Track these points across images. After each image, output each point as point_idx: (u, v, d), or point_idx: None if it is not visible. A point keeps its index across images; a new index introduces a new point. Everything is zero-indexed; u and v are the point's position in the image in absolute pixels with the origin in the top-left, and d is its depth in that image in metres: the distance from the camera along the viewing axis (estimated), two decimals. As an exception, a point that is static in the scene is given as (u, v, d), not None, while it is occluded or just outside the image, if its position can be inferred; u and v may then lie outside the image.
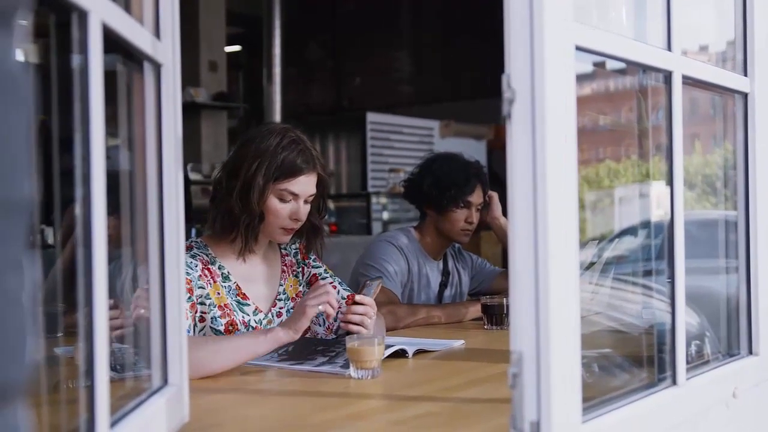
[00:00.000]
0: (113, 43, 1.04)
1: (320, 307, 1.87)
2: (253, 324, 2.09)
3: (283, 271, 2.23)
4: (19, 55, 0.52)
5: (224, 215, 2.08)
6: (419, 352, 2.06)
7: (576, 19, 1.15)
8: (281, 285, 2.21)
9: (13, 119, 0.49)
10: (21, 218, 0.52)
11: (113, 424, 1.02)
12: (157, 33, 1.27)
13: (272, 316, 2.16)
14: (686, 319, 1.45)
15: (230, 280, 2.10)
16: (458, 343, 2.23)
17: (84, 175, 0.93)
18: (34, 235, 0.58)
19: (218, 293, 2.06)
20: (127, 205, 1.27)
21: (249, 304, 2.11)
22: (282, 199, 2.07)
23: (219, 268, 2.09)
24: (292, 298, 2.22)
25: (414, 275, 2.86)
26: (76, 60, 0.95)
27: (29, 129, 0.52)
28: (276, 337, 1.86)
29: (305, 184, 2.08)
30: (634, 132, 1.81)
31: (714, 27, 1.94)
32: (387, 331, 2.49)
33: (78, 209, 0.95)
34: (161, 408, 1.22)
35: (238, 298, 2.10)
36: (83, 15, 0.93)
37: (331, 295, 1.90)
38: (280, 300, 2.20)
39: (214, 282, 2.06)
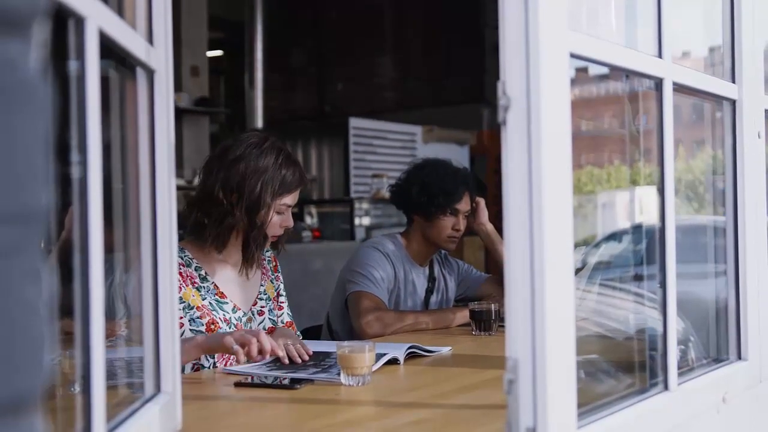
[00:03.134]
0: (107, 48, 1.03)
1: (235, 347, 1.84)
2: (234, 321, 2.18)
3: (263, 273, 2.33)
4: (36, 63, 0.52)
5: (226, 230, 2.14)
6: (410, 357, 2.06)
7: (568, 26, 1.16)
8: (262, 285, 2.31)
9: (32, 128, 0.48)
10: (39, 227, 0.51)
11: (108, 433, 1.01)
12: (150, 39, 1.26)
13: (253, 314, 2.25)
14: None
15: (208, 281, 2.17)
16: (446, 350, 2.23)
17: (81, 180, 0.93)
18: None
19: (194, 295, 2.12)
20: (118, 210, 1.26)
21: (227, 302, 2.18)
22: (279, 212, 2.19)
23: (196, 270, 2.16)
24: (273, 298, 2.34)
25: (400, 281, 2.86)
26: (72, 65, 0.94)
27: (47, 137, 0.52)
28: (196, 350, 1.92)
29: (297, 196, 2.23)
30: (617, 137, 1.82)
31: (698, 33, 1.96)
32: (375, 337, 2.49)
33: (73, 215, 0.94)
34: (155, 416, 1.21)
35: (217, 297, 2.17)
36: (80, 21, 0.92)
37: (252, 345, 1.86)
38: (261, 299, 2.29)
39: (191, 283, 2.13)
